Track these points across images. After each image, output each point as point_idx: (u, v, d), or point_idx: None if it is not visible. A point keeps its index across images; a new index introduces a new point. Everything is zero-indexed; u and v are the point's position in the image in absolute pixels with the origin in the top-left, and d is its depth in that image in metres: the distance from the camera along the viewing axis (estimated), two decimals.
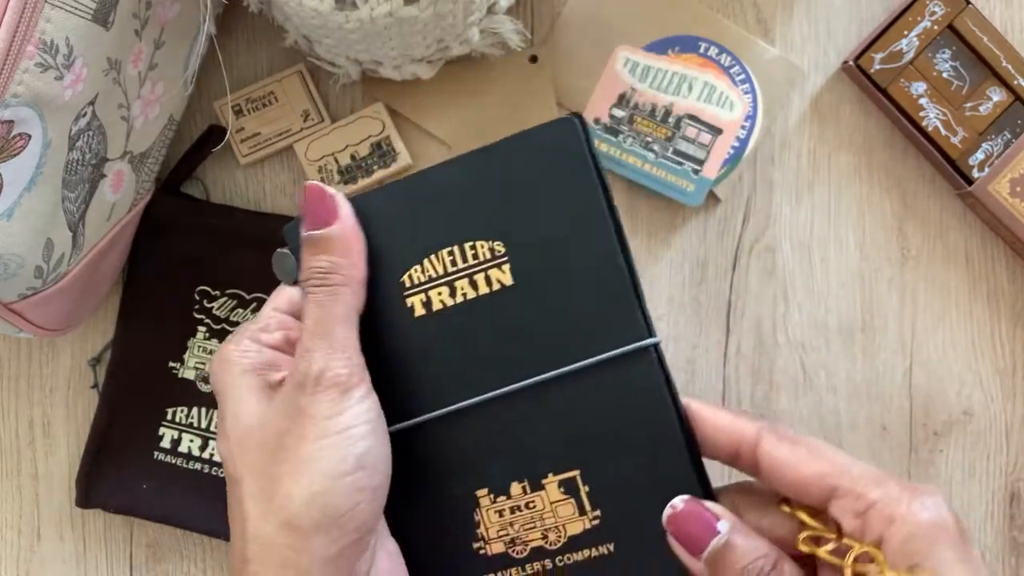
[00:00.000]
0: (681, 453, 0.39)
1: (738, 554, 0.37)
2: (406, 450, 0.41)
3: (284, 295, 0.46)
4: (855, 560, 0.36)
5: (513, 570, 0.41)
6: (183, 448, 0.67)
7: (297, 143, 0.67)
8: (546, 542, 0.40)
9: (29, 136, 0.48)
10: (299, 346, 0.40)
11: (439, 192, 0.42)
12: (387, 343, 0.41)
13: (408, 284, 0.42)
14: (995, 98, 0.67)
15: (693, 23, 0.68)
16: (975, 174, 0.66)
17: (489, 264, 0.41)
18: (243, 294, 0.67)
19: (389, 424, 0.40)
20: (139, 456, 0.67)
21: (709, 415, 0.40)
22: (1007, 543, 0.69)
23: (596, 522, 0.40)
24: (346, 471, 0.38)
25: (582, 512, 0.40)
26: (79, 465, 0.67)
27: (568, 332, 0.40)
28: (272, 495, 0.39)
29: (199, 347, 0.67)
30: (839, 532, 0.38)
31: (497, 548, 0.41)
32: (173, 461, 0.67)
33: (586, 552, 0.40)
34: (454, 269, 0.41)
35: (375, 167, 0.67)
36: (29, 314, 0.56)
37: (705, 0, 0.69)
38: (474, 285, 0.41)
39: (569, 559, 0.40)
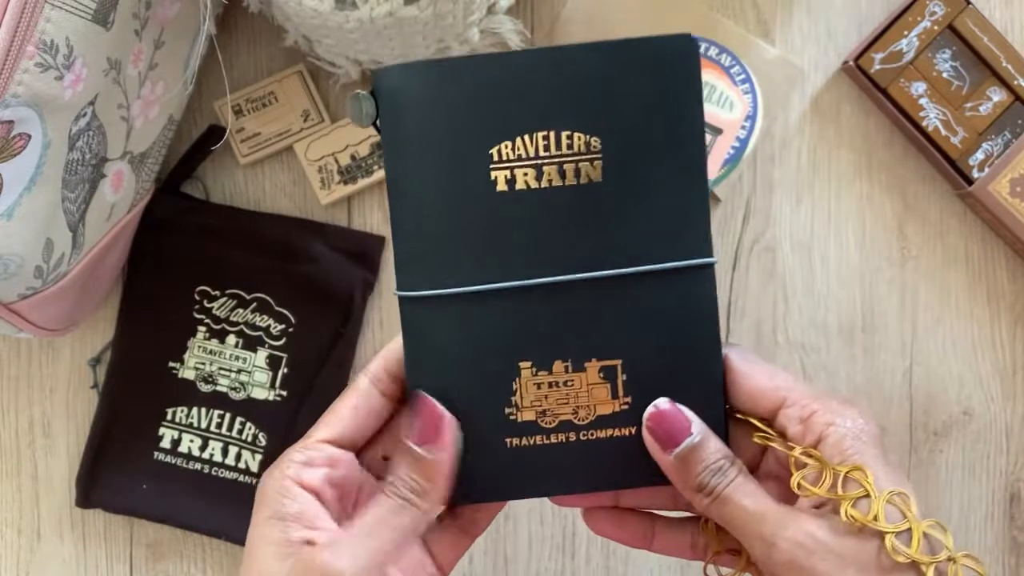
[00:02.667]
0: (715, 366, 0.43)
1: (707, 452, 0.42)
2: (463, 312, 0.42)
3: (337, 419, 0.44)
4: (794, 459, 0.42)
5: (538, 437, 0.43)
6: (183, 448, 0.67)
7: (297, 143, 0.67)
8: (575, 417, 0.43)
9: (29, 136, 0.48)
10: (345, 530, 0.41)
11: (546, 74, 0.41)
12: (464, 208, 0.42)
13: (496, 157, 0.42)
14: (995, 98, 0.67)
15: (693, 23, 0.68)
16: (975, 174, 0.66)
17: (582, 157, 0.42)
18: (243, 294, 0.67)
19: (452, 284, 0.42)
20: (139, 456, 0.67)
21: None
22: (1007, 543, 0.69)
23: (625, 407, 0.43)
24: None
25: (615, 396, 0.43)
26: (79, 465, 0.67)
27: (642, 236, 0.42)
28: None
29: (199, 347, 0.67)
30: (784, 437, 0.43)
31: (528, 416, 0.43)
32: (173, 461, 0.67)
33: (610, 431, 0.43)
34: (546, 154, 0.42)
35: (375, 167, 0.67)
36: (29, 314, 0.56)
37: (705, 0, 0.69)
38: (562, 174, 0.42)
39: (592, 435, 0.43)
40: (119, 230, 0.62)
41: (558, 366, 0.43)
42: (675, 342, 0.43)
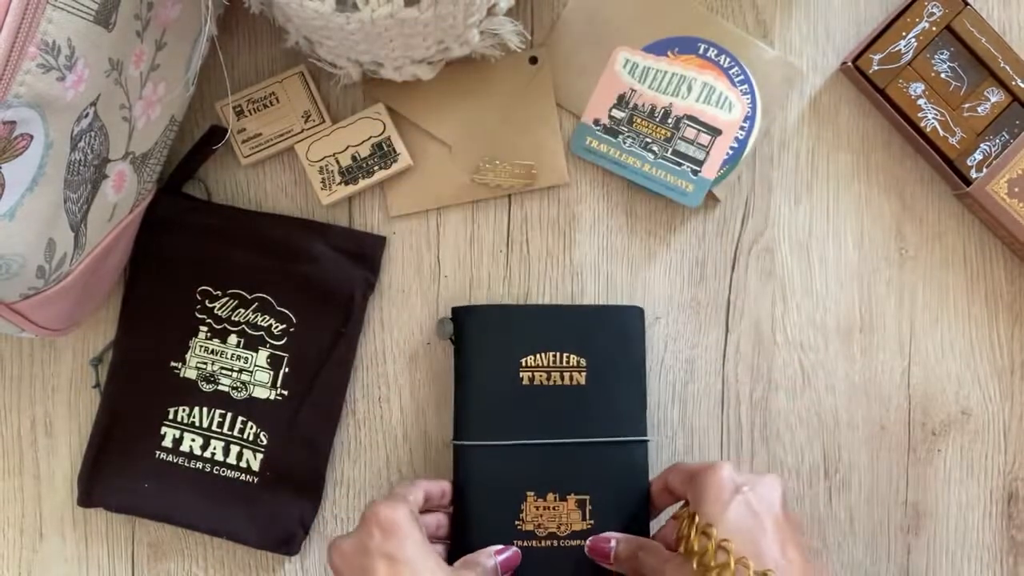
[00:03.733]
0: (645, 504, 0.66)
1: (624, 551, 0.63)
2: (495, 458, 0.66)
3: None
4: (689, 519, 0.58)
5: (534, 541, 0.65)
6: (184, 447, 0.67)
7: (298, 144, 0.67)
8: (558, 530, 0.65)
9: (31, 137, 0.48)
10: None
11: (554, 317, 0.67)
12: (502, 394, 0.66)
13: (524, 364, 0.66)
14: (993, 99, 0.67)
15: (692, 24, 0.68)
16: (973, 175, 0.67)
17: (574, 369, 0.66)
18: (244, 294, 0.68)
19: (490, 439, 0.66)
20: (141, 455, 0.67)
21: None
22: (1005, 542, 0.70)
23: (590, 526, 0.66)
24: None
25: (584, 518, 0.66)
26: (81, 464, 0.68)
27: (605, 419, 0.66)
28: None
29: (201, 347, 0.68)
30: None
31: (528, 527, 0.65)
32: (175, 460, 0.67)
33: (579, 541, 0.65)
34: (553, 364, 0.66)
35: (376, 167, 0.67)
36: (31, 314, 0.56)
37: (704, 1, 0.69)
38: (561, 377, 0.66)
39: (569, 543, 0.65)
40: (121, 230, 0.62)
41: (550, 496, 0.66)
42: (621, 485, 0.66)
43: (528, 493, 0.66)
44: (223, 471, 0.67)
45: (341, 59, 0.63)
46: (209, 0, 0.58)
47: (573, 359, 0.66)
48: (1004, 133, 0.67)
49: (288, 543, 0.68)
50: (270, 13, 0.63)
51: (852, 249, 0.69)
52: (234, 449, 0.67)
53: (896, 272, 0.70)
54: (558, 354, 0.66)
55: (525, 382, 0.66)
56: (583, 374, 0.66)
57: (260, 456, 0.67)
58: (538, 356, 0.66)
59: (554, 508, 0.66)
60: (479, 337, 0.67)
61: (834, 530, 0.70)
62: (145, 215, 0.66)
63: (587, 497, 0.66)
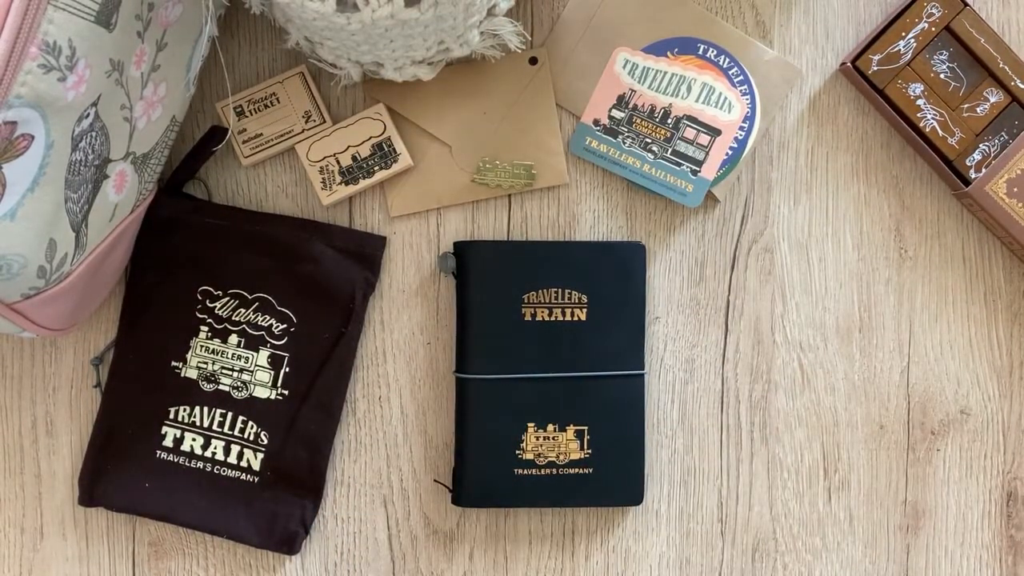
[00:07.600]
0: (641, 434, 0.69)
1: None
2: (496, 391, 0.68)
3: None
4: None
5: (534, 470, 0.68)
6: (185, 447, 0.68)
7: (299, 144, 0.67)
8: (557, 459, 0.68)
9: (32, 137, 0.48)
10: None
11: (557, 254, 0.68)
12: (506, 329, 0.68)
13: (527, 300, 0.68)
14: (992, 99, 0.67)
15: (692, 25, 0.68)
16: (972, 175, 0.67)
17: (576, 305, 0.68)
18: (245, 294, 0.68)
19: (492, 373, 0.68)
20: (142, 455, 0.67)
21: None
22: (1004, 542, 0.70)
23: (587, 455, 0.69)
24: None
25: (582, 448, 0.69)
26: (82, 464, 0.68)
27: (605, 354, 0.68)
28: None
29: (201, 346, 0.68)
30: None
31: (529, 456, 0.68)
32: (175, 460, 0.68)
33: (577, 469, 0.69)
34: (555, 300, 0.68)
35: (376, 168, 0.67)
36: (32, 314, 0.56)
37: (704, 2, 0.69)
38: (563, 313, 0.68)
39: (566, 471, 0.68)
40: (122, 230, 0.62)
41: (550, 427, 0.68)
42: (618, 417, 0.69)
43: (529, 424, 0.68)
44: (224, 471, 0.68)
45: (342, 59, 0.64)
46: (210, 1, 0.58)
47: (575, 295, 0.68)
48: (1003, 133, 0.67)
49: (289, 543, 0.68)
50: (271, 14, 0.63)
51: (851, 249, 0.70)
52: (235, 449, 0.68)
53: (895, 272, 0.70)
54: (560, 290, 0.68)
55: (527, 317, 0.68)
56: (584, 310, 0.68)
57: (261, 456, 0.68)
58: (540, 292, 0.68)
59: (554, 438, 0.68)
60: (481, 272, 0.68)
61: (833, 530, 0.70)
62: (146, 215, 0.66)
63: (585, 428, 0.68)
